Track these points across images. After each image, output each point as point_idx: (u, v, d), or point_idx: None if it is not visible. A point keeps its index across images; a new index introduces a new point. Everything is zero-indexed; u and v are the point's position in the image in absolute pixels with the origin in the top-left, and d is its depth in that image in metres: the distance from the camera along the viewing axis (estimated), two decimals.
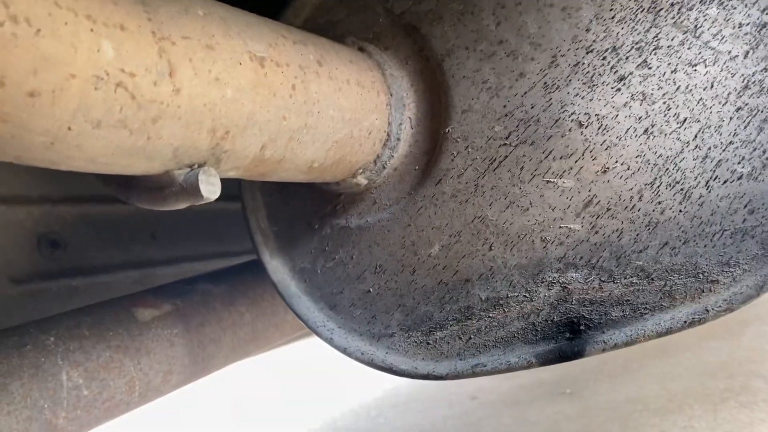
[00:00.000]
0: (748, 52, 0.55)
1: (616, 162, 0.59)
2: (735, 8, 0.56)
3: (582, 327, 0.61)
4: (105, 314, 0.80)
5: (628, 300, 0.59)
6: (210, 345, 0.89)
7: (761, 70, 0.55)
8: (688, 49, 0.57)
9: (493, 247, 0.64)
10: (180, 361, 0.85)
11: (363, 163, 0.67)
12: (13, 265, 1.05)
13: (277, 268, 0.78)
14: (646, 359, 2.77)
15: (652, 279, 0.58)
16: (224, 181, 1.43)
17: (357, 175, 0.68)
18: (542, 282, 0.63)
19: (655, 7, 0.57)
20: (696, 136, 0.57)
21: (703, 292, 0.56)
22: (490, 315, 0.65)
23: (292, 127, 0.55)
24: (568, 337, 0.61)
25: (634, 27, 0.58)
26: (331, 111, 0.58)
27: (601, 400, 2.47)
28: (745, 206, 0.55)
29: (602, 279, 0.60)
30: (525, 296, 0.63)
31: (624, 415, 2.28)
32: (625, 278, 0.59)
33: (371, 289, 0.72)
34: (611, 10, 0.59)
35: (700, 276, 0.57)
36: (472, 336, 0.66)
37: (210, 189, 0.49)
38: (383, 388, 3.42)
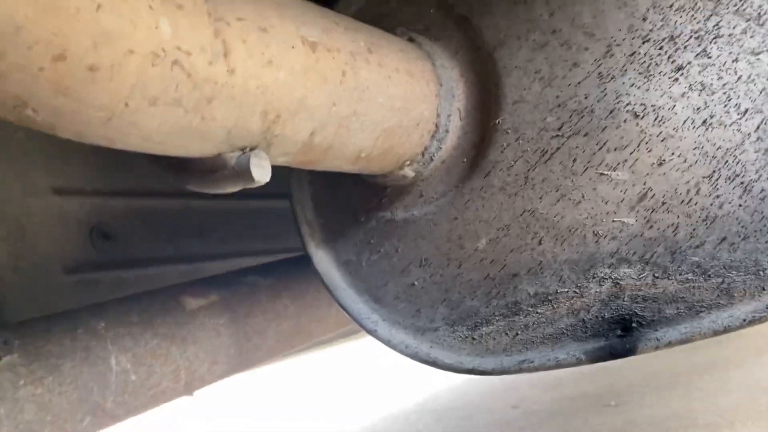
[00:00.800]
0: None
1: (673, 154, 0.57)
2: None
3: (634, 324, 0.59)
4: (153, 302, 0.82)
5: (683, 297, 0.57)
6: (255, 336, 0.90)
7: None
8: (751, 37, 0.55)
9: (542, 242, 0.63)
10: (225, 351, 0.86)
11: (410, 154, 0.67)
12: (67, 255, 1.07)
13: (322, 259, 0.78)
14: (695, 374, 2.69)
15: (709, 276, 0.56)
16: (272, 178, 1.45)
17: (404, 167, 0.68)
18: (593, 277, 0.61)
19: None
20: (758, 128, 0.55)
21: (764, 289, 0.54)
22: (539, 311, 0.64)
23: (342, 113, 0.55)
24: (619, 335, 0.60)
25: (693, 15, 0.56)
26: (380, 99, 0.58)
27: (646, 414, 2.40)
28: None
29: (656, 275, 0.59)
30: (575, 292, 0.62)
31: (670, 430, 2.21)
32: (681, 275, 0.58)
33: (416, 283, 0.71)
34: None
35: (761, 273, 0.55)
36: (519, 332, 0.65)
37: (261, 172, 0.50)
38: (424, 394, 3.40)
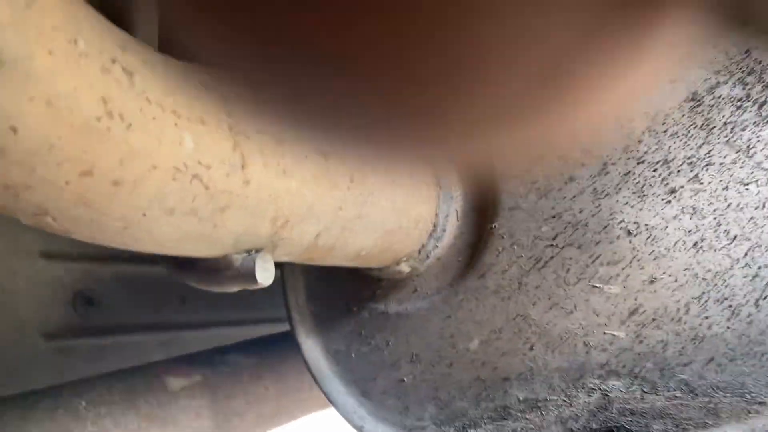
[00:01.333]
0: None
1: (664, 273, 0.59)
2: None
3: None
4: (136, 381, 0.80)
5: (671, 414, 0.58)
6: (234, 418, 0.89)
7: None
8: (740, 168, 0.57)
9: (534, 348, 0.64)
10: None
11: (408, 251, 0.68)
12: (48, 320, 1.06)
13: (311, 347, 0.78)
14: None
15: (696, 394, 0.58)
16: None
17: (401, 262, 0.69)
18: (583, 387, 0.62)
19: (708, 125, 0.59)
20: (746, 254, 0.57)
21: (750, 413, 0.55)
22: (527, 417, 0.64)
23: (347, 216, 0.56)
24: None
25: (686, 142, 0.59)
26: (383, 201, 0.60)
27: None
28: None
29: (644, 390, 0.59)
30: (564, 400, 0.63)
31: None
32: (668, 391, 0.59)
33: (405, 379, 0.71)
34: (664, 123, 0.60)
35: (747, 396, 0.56)
36: None
37: (265, 275, 0.50)
38: None
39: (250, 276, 0.50)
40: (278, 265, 1.09)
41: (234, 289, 0.51)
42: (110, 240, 0.42)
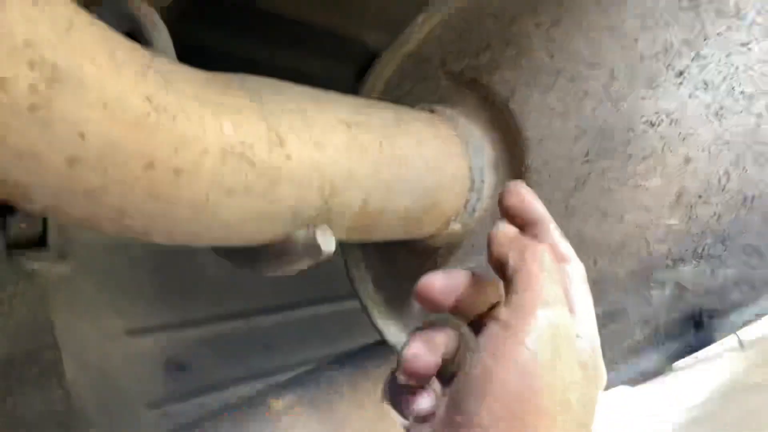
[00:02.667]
0: None
1: (696, 150, 0.61)
2: None
3: (705, 318, 0.61)
4: (242, 407, 0.85)
5: (745, 280, 0.59)
6: (340, 428, 0.91)
7: None
8: (737, 31, 0.60)
9: (597, 261, 0.66)
10: None
11: (454, 209, 0.71)
12: (148, 391, 1.12)
13: (391, 331, 0.81)
14: None
15: (763, 253, 0.59)
16: (319, 283, 1.49)
17: (450, 223, 0.72)
18: (655, 283, 0.63)
19: (695, 4, 0.61)
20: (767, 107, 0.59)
21: None
22: (611, 329, 0.66)
23: (386, 179, 0.60)
24: (694, 332, 0.61)
25: (679, 26, 0.62)
26: (417, 162, 0.64)
27: None
28: None
29: (713, 266, 0.61)
30: (641, 301, 0.64)
31: None
32: (736, 258, 0.60)
33: None
34: (653, 17, 0.63)
35: None
36: None
37: (327, 244, 0.54)
38: None
39: (315, 248, 0.54)
40: (337, 288, 1.13)
41: (303, 265, 0.56)
42: (185, 233, 0.47)
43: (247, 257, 0.57)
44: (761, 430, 2.45)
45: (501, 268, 0.44)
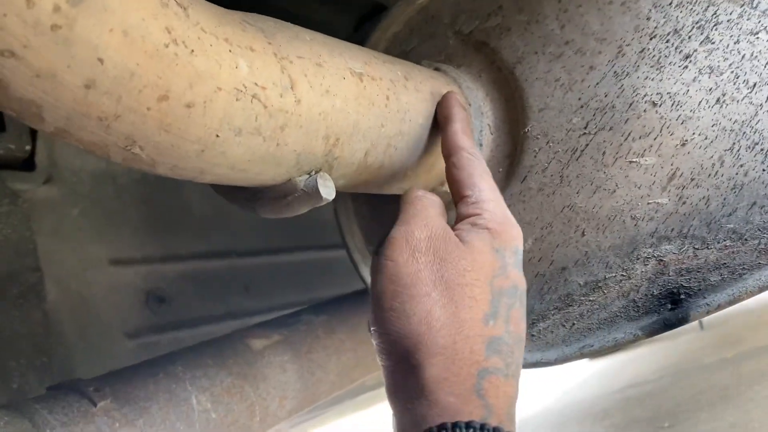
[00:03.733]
0: None
1: (694, 133, 0.63)
2: None
3: (683, 296, 0.63)
4: (223, 345, 0.86)
5: (725, 263, 0.62)
6: (318, 371, 0.94)
7: None
8: (748, 19, 0.61)
9: (585, 233, 0.68)
10: (292, 386, 0.89)
11: None
12: (127, 321, 1.13)
13: None
14: (744, 385, 2.66)
15: (746, 239, 0.61)
16: (308, 230, 1.50)
17: (445, 183, 0.73)
18: (638, 258, 0.65)
19: None
20: None
21: None
22: (591, 298, 0.68)
23: (389, 133, 0.61)
24: (670, 308, 0.64)
25: (692, 8, 0.63)
26: (420, 119, 0.64)
27: (702, 429, 2.37)
28: None
29: (696, 247, 0.63)
30: (623, 275, 0.66)
31: None
32: (719, 242, 0.62)
33: None
34: None
35: None
36: (575, 322, 0.69)
37: (327, 191, 0.55)
38: None
39: (315, 194, 0.55)
40: (322, 237, 1.14)
41: (301, 210, 0.56)
42: (191, 167, 0.48)
43: (247, 197, 0.58)
44: (710, 409, 2.55)
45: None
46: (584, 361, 4.34)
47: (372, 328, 0.50)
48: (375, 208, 0.84)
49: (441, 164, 0.70)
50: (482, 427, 0.42)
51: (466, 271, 0.49)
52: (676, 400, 2.82)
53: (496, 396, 0.45)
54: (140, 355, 1.12)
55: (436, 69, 0.74)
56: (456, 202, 0.58)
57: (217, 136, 0.46)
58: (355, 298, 1.06)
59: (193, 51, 0.43)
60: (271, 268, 1.40)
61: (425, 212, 0.55)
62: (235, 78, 0.46)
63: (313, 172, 0.56)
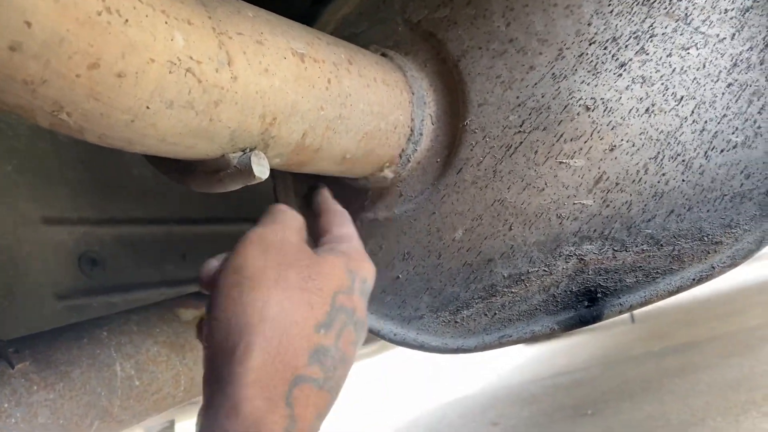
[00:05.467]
0: (734, 34, 0.62)
1: (622, 140, 0.65)
2: None
3: (599, 294, 0.66)
4: (151, 314, 0.86)
5: (641, 266, 0.65)
6: None
7: (747, 50, 0.61)
8: (681, 35, 0.63)
9: (512, 227, 0.70)
10: None
11: (389, 157, 0.73)
12: (58, 282, 1.11)
13: None
14: (666, 378, 2.79)
15: (662, 245, 0.64)
16: (249, 203, 1.49)
17: (384, 168, 0.74)
18: (560, 256, 0.68)
19: (650, 0, 0.64)
20: (693, 112, 0.63)
21: (709, 253, 0.62)
22: (513, 291, 0.70)
23: (328, 116, 0.61)
24: (587, 305, 0.67)
25: (630, 18, 0.65)
26: (361, 105, 0.65)
27: (623, 419, 2.48)
28: (742, 172, 0.61)
29: (615, 249, 0.66)
30: (545, 270, 0.69)
31: (646, 431, 2.29)
32: (637, 246, 0.65)
33: (400, 276, 0.77)
34: (609, 5, 0.65)
35: (705, 239, 0.62)
36: (497, 312, 0.71)
37: (261, 170, 0.55)
38: (403, 422, 3.42)
39: (248, 172, 0.55)
40: (262, 200, 1.14)
41: (235, 186, 0.57)
42: (119, 137, 0.47)
43: (179, 170, 0.57)
44: (632, 399, 2.66)
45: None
46: (520, 347, 4.47)
47: (205, 316, 0.51)
48: (314, 188, 0.84)
49: (380, 150, 0.71)
50: None
51: (310, 279, 0.50)
52: (601, 389, 2.94)
53: (305, 406, 0.46)
54: (70, 317, 1.10)
55: (383, 55, 0.75)
56: (319, 237, 0.60)
57: (148, 107, 0.46)
58: None
59: (127, 21, 0.42)
60: (210, 237, 1.39)
61: (284, 222, 0.55)
62: (169, 50, 0.45)
63: (248, 150, 0.56)
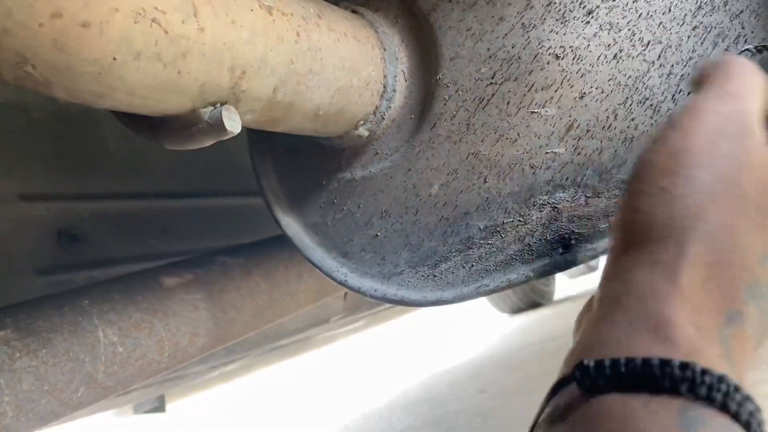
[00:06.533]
0: None
1: (591, 87, 0.66)
2: None
3: (573, 241, 0.67)
4: (133, 282, 0.86)
5: (614, 211, 0.66)
6: (231, 310, 0.95)
7: None
8: None
9: (487, 180, 0.71)
10: (204, 324, 0.90)
11: (363, 114, 0.73)
12: (38, 258, 1.10)
13: (290, 224, 0.84)
14: None
15: None
16: (228, 176, 1.49)
17: (359, 126, 0.74)
18: (534, 205, 0.69)
19: None
20: (659, 56, 0.64)
21: None
22: (489, 242, 0.71)
23: (299, 71, 0.61)
24: (561, 252, 0.68)
25: None
26: (332, 59, 0.65)
27: None
28: None
29: (588, 195, 0.67)
30: (519, 220, 0.70)
31: None
32: (609, 192, 0.66)
33: (378, 234, 0.78)
34: None
35: None
36: (474, 263, 0.72)
37: (232, 124, 0.56)
38: (393, 392, 3.45)
39: (219, 126, 0.55)
40: (243, 183, 1.13)
41: (207, 142, 0.57)
42: (87, 90, 0.47)
43: (150, 127, 0.57)
44: None
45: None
46: (507, 316, 4.52)
47: (622, 200, 0.43)
48: (291, 151, 0.85)
49: (354, 107, 0.71)
50: (736, 389, 0.31)
51: None
52: (552, 369, 2.98)
53: (740, 349, 0.35)
54: (50, 292, 1.10)
55: (353, 11, 0.74)
56: None
57: (115, 59, 0.46)
58: (271, 243, 1.07)
59: None
60: (191, 211, 1.39)
61: (748, 93, 0.41)
62: (133, 0, 0.45)
63: (219, 105, 0.56)
